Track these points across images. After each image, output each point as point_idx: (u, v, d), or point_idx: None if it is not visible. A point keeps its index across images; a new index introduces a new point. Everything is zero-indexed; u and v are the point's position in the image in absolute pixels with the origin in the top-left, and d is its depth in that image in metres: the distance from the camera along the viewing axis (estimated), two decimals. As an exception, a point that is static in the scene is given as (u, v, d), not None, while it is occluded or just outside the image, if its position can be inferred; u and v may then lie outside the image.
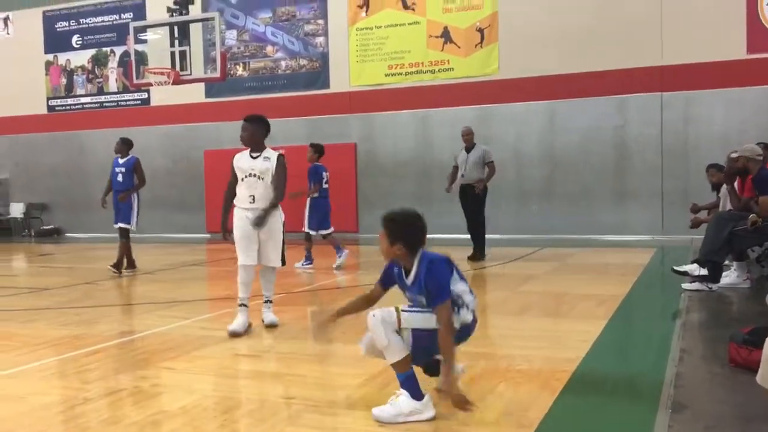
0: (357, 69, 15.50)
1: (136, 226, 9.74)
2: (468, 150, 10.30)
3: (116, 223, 9.72)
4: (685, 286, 7.03)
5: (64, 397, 3.99)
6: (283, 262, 5.76)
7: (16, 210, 18.78)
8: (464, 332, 3.51)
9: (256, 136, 5.62)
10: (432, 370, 3.64)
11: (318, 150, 9.90)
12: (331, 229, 9.91)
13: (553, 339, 5.21)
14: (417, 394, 3.35)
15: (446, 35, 14.73)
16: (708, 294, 6.84)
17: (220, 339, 5.33)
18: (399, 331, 3.37)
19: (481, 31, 14.46)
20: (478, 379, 4.01)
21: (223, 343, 5.24)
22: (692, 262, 7.15)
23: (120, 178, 9.67)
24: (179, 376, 4.38)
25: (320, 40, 15.87)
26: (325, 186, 9.81)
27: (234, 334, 5.39)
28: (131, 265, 9.88)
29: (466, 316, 3.45)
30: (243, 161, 5.62)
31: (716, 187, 9.09)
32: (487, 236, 10.45)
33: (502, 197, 14.12)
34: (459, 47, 14.65)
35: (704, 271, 6.90)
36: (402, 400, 3.36)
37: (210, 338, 5.39)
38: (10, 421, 3.55)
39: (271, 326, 5.70)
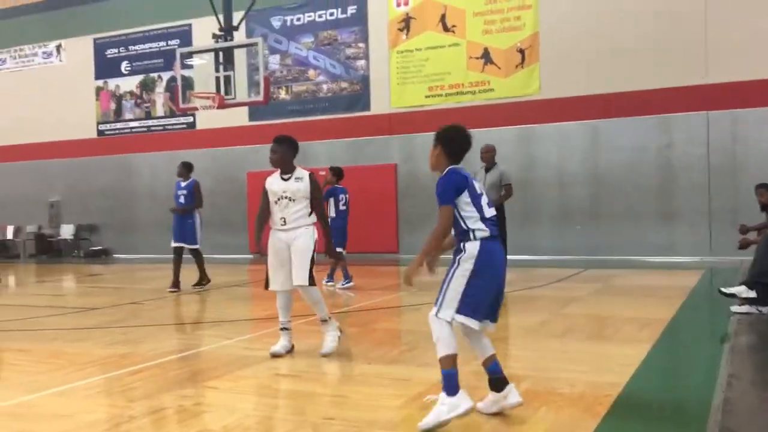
0: (397, 91, 15.62)
1: (200, 243, 10.34)
2: (487, 170, 9.66)
3: (176, 242, 10.20)
4: (734, 308, 6.86)
5: (110, 415, 4.08)
6: (311, 282, 5.52)
7: (67, 231, 19.35)
8: (490, 265, 3.62)
9: (285, 157, 5.62)
10: (497, 385, 3.73)
11: (336, 173, 10.12)
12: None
13: (596, 362, 5.12)
14: (452, 390, 3.53)
15: (486, 56, 14.75)
16: (758, 317, 6.65)
17: (262, 359, 5.39)
18: (457, 309, 3.56)
19: (522, 51, 14.46)
20: (519, 402, 3.95)
21: (265, 362, 5.29)
22: (740, 284, 6.98)
23: (182, 200, 10.27)
24: (222, 395, 4.44)
25: (361, 63, 16.05)
26: (342, 208, 9.96)
27: (275, 356, 5.43)
28: (176, 285, 10.06)
29: (471, 249, 3.61)
30: (275, 184, 5.60)
31: (765, 207, 8.91)
32: (527, 257, 10.30)
33: (544, 217, 14.04)
34: (499, 68, 14.65)
35: (753, 294, 6.73)
36: (439, 403, 3.54)
37: (252, 358, 5.45)
38: (59, 438, 3.64)
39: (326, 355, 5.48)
